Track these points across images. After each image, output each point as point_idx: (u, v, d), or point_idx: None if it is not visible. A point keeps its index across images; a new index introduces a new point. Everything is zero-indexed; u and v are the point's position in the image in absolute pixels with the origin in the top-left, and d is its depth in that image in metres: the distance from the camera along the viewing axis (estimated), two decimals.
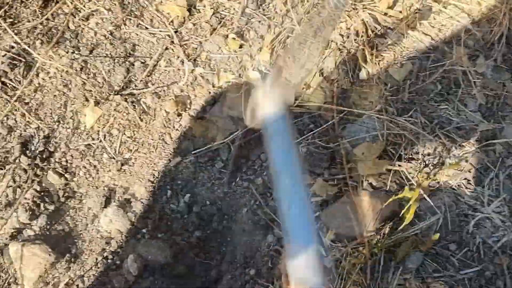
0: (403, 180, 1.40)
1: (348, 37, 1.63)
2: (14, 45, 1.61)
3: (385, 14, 1.70)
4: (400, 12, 1.72)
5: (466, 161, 1.41)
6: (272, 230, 1.39)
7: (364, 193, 1.35)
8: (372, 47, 1.59)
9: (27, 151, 1.48)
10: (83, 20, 1.65)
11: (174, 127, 1.54)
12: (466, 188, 1.37)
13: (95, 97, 1.54)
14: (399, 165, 1.39)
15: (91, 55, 1.61)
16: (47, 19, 1.65)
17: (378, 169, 1.41)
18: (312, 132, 1.54)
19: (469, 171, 1.40)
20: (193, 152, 1.50)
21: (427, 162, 1.43)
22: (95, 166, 1.50)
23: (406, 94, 1.55)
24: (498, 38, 1.60)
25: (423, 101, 1.55)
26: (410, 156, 1.44)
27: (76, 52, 1.61)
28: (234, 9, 1.69)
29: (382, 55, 1.60)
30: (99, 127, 1.53)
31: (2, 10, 1.60)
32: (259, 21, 1.66)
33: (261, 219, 1.41)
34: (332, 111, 1.53)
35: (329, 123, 1.53)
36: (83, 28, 1.65)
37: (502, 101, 1.53)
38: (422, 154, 1.44)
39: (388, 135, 1.45)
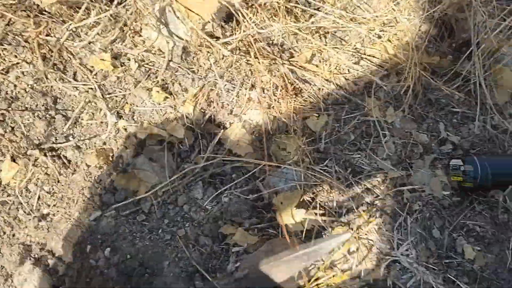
0: (319, 228, 1.43)
1: (268, 90, 1.67)
2: None
3: (304, 68, 1.77)
4: (317, 66, 1.80)
5: (377, 208, 1.46)
6: (193, 282, 1.36)
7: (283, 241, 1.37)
8: (289, 101, 1.65)
9: None
10: (2, 73, 1.61)
11: (95, 180, 1.51)
12: (377, 233, 1.42)
13: (12, 152, 1.48)
14: (315, 213, 1.42)
15: (9, 108, 1.57)
16: None
17: (295, 218, 1.43)
18: (233, 182, 1.55)
19: (380, 217, 1.45)
20: (113, 206, 1.45)
21: (341, 210, 1.47)
22: (9, 223, 1.46)
23: (322, 144, 1.62)
24: (405, 91, 1.70)
25: (337, 150, 1.62)
26: (326, 204, 1.48)
27: None
28: (159, 62, 1.71)
29: (299, 107, 1.66)
30: (15, 182, 1.48)
31: None
32: (183, 75, 1.69)
33: (183, 271, 1.38)
34: (253, 163, 1.55)
35: (249, 173, 1.53)
36: (2, 82, 1.59)
37: (409, 149, 1.62)
38: (336, 202, 1.48)
39: (305, 185, 1.48)
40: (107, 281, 1.42)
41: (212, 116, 1.71)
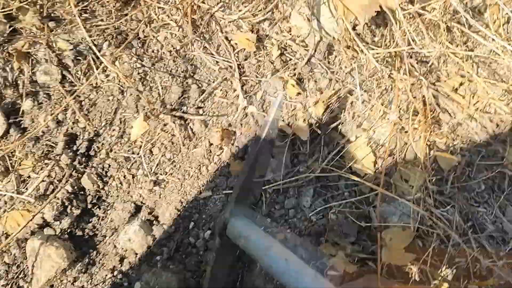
0: (425, 278, 1.27)
1: (406, 112, 1.49)
2: (83, 41, 1.51)
3: (448, 96, 1.55)
4: (463, 97, 1.57)
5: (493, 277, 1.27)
6: None
7: (382, 281, 1.24)
8: (426, 130, 1.45)
9: (69, 150, 1.40)
10: (153, 31, 1.57)
11: (213, 160, 1.45)
12: None
13: (146, 111, 1.45)
14: (425, 264, 1.26)
15: (152, 67, 1.53)
16: (120, 22, 1.54)
17: (402, 261, 1.28)
18: (345, 201, 1.41)
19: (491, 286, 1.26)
20: (224, 191, 1.39)
21: (452, 268, 1.29)
22: (128, 180, 1.43)
23: (448, 187, 1.42)
24: None
25: (463, 198, 1.43)
26: (437, 255, 1.31)
27: (139, 61, 1.54)
28: (300, 54, 1.57)
29: (434, 140, 1.46)
30: (142, 142, 1.46)
31: (80, 5, 1.50)
32: (322, 73, 1.54)
33: None
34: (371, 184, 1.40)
35: (364, 196, 1.39)
36: (151, 39, 1.55)
37: None
38: (450, 255, 1.31)
39: (418, 228, 1.32)
40: (200, 262, 1.37)
41: (340, 124, 1.55)
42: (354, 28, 1.54)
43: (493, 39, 1.54)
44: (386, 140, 1.50)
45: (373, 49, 1.52)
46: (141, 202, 1.43)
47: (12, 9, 1.52)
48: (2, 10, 1.49)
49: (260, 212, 1.43)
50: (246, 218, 1.30)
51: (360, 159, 1.48)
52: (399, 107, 1.54)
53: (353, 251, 1.38)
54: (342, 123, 1.54)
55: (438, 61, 1.63)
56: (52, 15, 1.58)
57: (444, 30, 1.53)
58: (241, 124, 1.54)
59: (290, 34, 1.64)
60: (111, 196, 1.44)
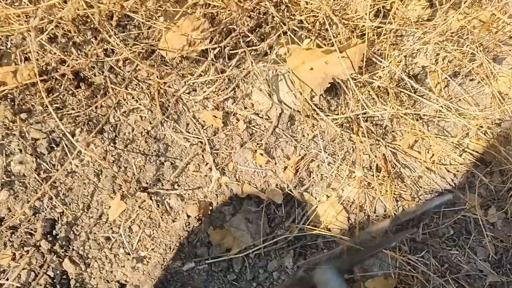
0: None
1: (370, 170, 1.78)
2: (56, 129, 1.73)
3: (405, 153, 1.87)
4: (419, 153, 1.90)
5: None
6: None
7: None
8: (391, 184, 1.74)
9: (49, 236, 1.56)
10: (123, 115, 1.83)
11: (192, 231, 1.66)
12: None
13: (123, 191, 1.66)
14: None
15: (125, 149, 1.78)
16: (91, 109, 1.80)
17: None
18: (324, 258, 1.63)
19: None
20: (206, 261, 1.58)
21: None
22: (110, 260, 1.60)
23: (420, 234, 1.67)
24: (508, 191, 1.75)
25: (435, 243, 1.68)
26: None
27: (112, 144, 1.76)
28: (264, 126, 1.87)
29: (399, 192, 1.74)
30: (121, 221, 1.64)
31: (51, 96, 1.75)
32: (287, 142, 1.83)
33: None
34: (345, 240, 1.64)
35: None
36: (122, 123, 1.81)
37: (511, 254, 1.65)
38: None
39: (399, 274, 1.55)
40: None
41: (310, 187, 1.82)
42: (311, 99, 1.88)
43: (437, 100, 1.92)
44: (356, 197, 1.78)
45: (330, 116, 1.85)
46: (125, 281, 1.60)
47: None
48: None
49: (245, 277, 1.62)
50: (340, 275, 1.33)
51: (333, 216, 1.74)
52: (362, 166, 1.84)
53: None
54: (312, 184, 1.82)
55: (391, 123, 1.99)
56: (23, 107, 1.82)
57: (392, 95, 1.90)
58: (217, 195, 1.77)
59: (253, 109, 1.97)
60: (94, 277, 1.60)
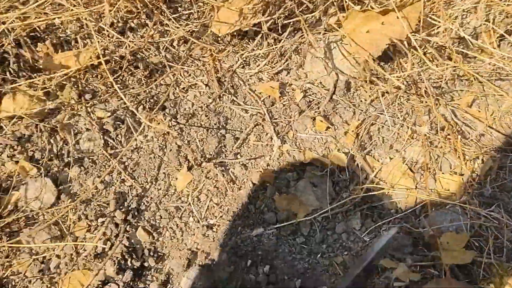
0: (488, 274, 1.44)
1: (431, 129, 1.74)
2: (119, 108, 1.77)
3: (465, 112, 1.83)
4: (479, 111, 1.85)
5: None
6: None
7: (449, 281, 1.40)
8: (455, 141, 1.71)
9: (121, 207, 1.59)
10: (182, 91, 1.85)
11: (259, 198, 1.65)
12: None
13: (188, 162, 1.68)
14: (488, 258, 1.44)
15: (187, 123, 1.78)
16: (151, 88, 1.83)
17: (464, 260, 1.46)
18: (393, 217, 1.61)
19: None
20: (275, 225, 1.58)
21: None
22: (181, 229, 1.62)
23: (488, 189, 1.63)
24: None
25: (504, 197, 1.64)
26: (495, 252, 1.49)
27: (173, 120, 1.78)
28: (321, 94, 1.86)
29: (463, 149, 1.70)
30: (188, 191, 1.65)
31: (114, 76, 1.79)
32: (345, 108, 1.82)
33: None
34: (415, 198, 1.61)
35: (410, 209, 1.59)
36: (181, 99, 1.83)
37: None
38: (506, 249, 1.49)
39: (472, 226, 1.51)
40: None
41: (372, 149, 1.80)
42: (369, 63, 1.86)
43: (491, 58, 1.87)
44: (419, 156, 1.75)
45: (391, 75, 1.83)
46: (196, 248, 1.61)
47: (51, 86, 1.79)
48: (43, 88, 1.77)
49: (314, 239, 1.62)
50: None
51: (398, 177, 1.71)
52: (425, 125, 1.81)
53: (414, 260, 1.55)
54: (374, 147, 1.80)
55: (447, 83, 1.94)
56: (87, 88, 1.87)
57: (452, 51, 1.86)
58: (279, 163, 1.77)
59: (307, 79, 1.95)
60: (166, 246, 1.62)
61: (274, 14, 1.93)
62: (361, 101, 1.92)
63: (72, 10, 1.85)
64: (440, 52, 1.90)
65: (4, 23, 1.80)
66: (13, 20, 1.82)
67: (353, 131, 1.83)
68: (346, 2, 1.84)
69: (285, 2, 1.93)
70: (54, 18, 1.84)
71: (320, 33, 1.97)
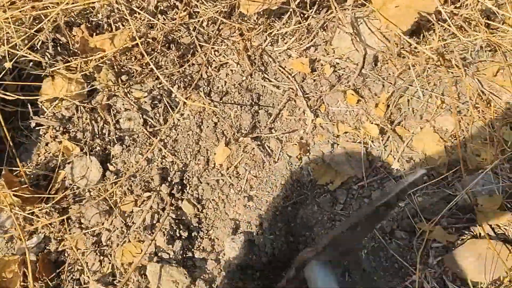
0: None
1: (459, 100, 1.81)
2: (155, 88, 1.84)
3: (491, 81, 1.89)
4: (504, 81, 1.91)
5: None
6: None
7: (485, 241, 1.47)
8: (484, 110, 1.77)
9: (165, 181, 1.66)
10: (214, 70, 1.91)
11: (295, 169, 1.72)
12: None
13: (225, 138, 1.75)
14: None
15: (221, 101, 1.84)
16: (184, 68, 1.90)
17: (498, 220, 1.53)
18: (426, 184, 1.68)
19: None
20: (311, 194, 1.65)
21: None
22: (223, 200, 1.68)
23: None
24: None
25: None
26: None
27: (208, 97, 1.84)
28: (349, 68, 1.92)
29: (491, 117, 1.77)
30: (227, 165, 1.72)
31: (148, 58, 1.85)
32: (374, 81, 1.88)
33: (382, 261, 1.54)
34: (445, 165, 1.68)
35: (442, 176, 1.66)
36: (214, 78, 1.89)
37: None
38: None
39: (504, 190, 1.58)
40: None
41: (403, 120, 1.87)
42: (400, 36, 1.92)
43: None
44: (450, 125, 1.81)
45: (421, 47, 1.88)
46: (239, 219, 1.68)
47: (88, 69, 1.86)
48: (81, 71, 1.84)
49: (351, 207, 1.69)
50: (327, 269, 1.30)
51: (429, 145, 1.78)
52: (452, 97, 1.87)
53: (449, 223, 1.63)
54: (405, 118, 1.86)
55: (471, 55, 1.99)
56: (122, 70, 1.93)
57: (479, 23, 1.91)
58: (313, 135, 1.84)
59: (336, 54, 2.01)
60: (210, 217, 1.69)
61: None
62: (389, 74, 1.98)
63: None
64: (465, 25, 1.95)
65: (43, 9, 1.86)
66: (50, 5, 1.88)
67: (383, 103, 1.89)
68: None
69: None
70: (94, 2, 1.88)
71: (346, 9, 2.02)
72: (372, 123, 1.86)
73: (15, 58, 1.68)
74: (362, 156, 1.77)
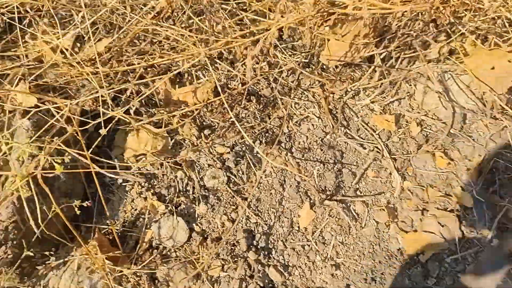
0: None
1: None
2: (237, 143, 1.80)
3: None
4: None
5: None
6: None
7: None
8: None
9: (251, 246, 1.62)
10: (296, 125, 1.86)
11: (384, 237, 1.65)
12: None
13: (309, 199, 1.69)
14: None
15: (303, 158, 1.79)
16: (265, 121, 1.85)
17: None
18: None
19: None
20: (399, 264, 1.59)
21: None
22: (309, 267, 1.63)
23: None
24: None
25: None
26: None
27: (289, 154, 1.79)
28: (436, 126, 1.84)
29: None
30: (312, 229, 1.67)
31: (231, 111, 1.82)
32: (463, 142, 1.79)
33: None
34: None
35: None
36: (295, 133, 1.84)
37: None
38: None
39: None
40: None
41: (497, 188, 1.77)
42: (482, 99, 1.84)
43: None
44: None
45: None
46: (326, 287, 1.62)
47: (172, 124, 1.83)
48: (166, 125, 1.81)
49: (445, 282, 1.61)
50: None
51: None
52: None
53: None
54: (500, 186, 1.76)
55: None
56: (204, 123, 1.90)
57: None
58: (401, 199, 1.77)
59: (421, 110, 1.93)
60: (295, 285, 1.64)
61: (389, 46, 1.91)
62: (480, 134, 1.89)
63: (191, 48, 1.87)
64: None
65: (130, 64, 1.85)
66: (135, 59, 1.87)
67: (475, 168, 1.80)
68: (470, 39, 1.80)
69: (397, 34, 1.91)
70: (177, 58, 1.86)
71: (431, 62, 1.94)
72: (464, 190, 1.76)
73: (106, 116, 1.66)
74: (454, 226, 1.69)
